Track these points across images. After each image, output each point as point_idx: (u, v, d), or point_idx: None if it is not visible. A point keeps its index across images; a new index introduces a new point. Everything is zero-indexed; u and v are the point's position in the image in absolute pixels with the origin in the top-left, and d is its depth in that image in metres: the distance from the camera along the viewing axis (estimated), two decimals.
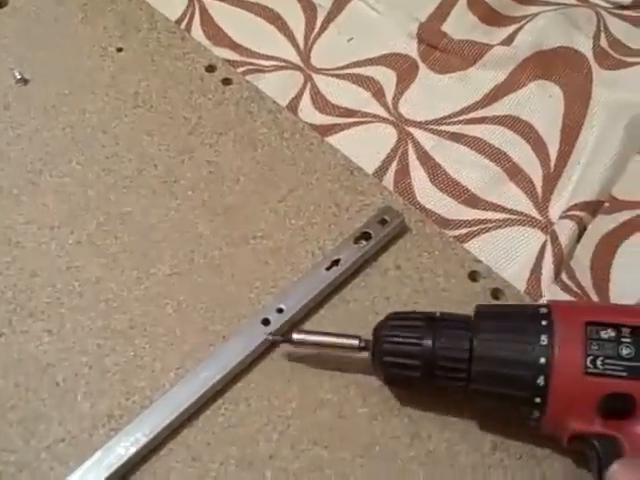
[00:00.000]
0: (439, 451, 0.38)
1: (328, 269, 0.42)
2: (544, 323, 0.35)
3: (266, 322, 0.41)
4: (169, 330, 0.41)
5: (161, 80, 0.51)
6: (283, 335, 0.40)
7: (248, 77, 0.52)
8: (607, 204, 0.46)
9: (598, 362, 0.34)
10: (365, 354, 0.39)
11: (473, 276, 0.43)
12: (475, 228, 0.46)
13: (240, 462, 0.38)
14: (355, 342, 0.38)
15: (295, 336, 0.39)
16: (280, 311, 0.41)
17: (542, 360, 0.34)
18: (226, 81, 0.51)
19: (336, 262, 0.43)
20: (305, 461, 0.38)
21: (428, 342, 0.36)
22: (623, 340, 0.34)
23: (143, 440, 0.37)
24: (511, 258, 0.45)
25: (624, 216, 0.46)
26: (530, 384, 0.34)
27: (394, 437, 0.39)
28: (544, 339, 0.34)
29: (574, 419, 0.34)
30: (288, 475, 0.37)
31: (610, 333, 0.34)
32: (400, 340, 0.37)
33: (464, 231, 0.46)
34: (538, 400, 0.35)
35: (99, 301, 0.42)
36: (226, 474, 0.37)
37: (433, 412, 0.39)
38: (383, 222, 0.44)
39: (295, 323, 0.41)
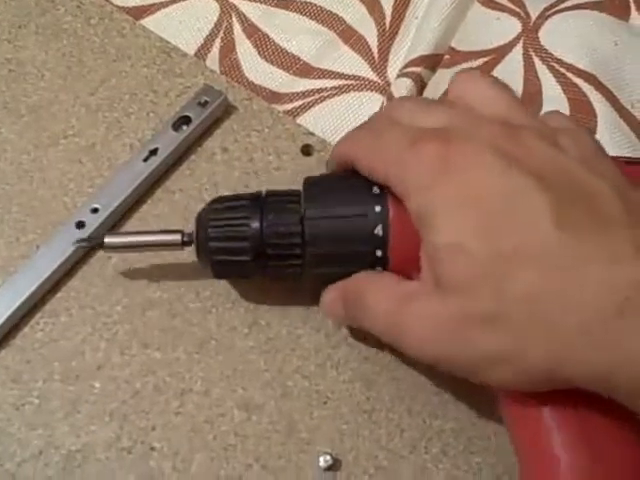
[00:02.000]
0: (280, 337, 0.36)
1: (145, 160, 0.39)
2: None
3: (80, 225, 0.37)
4: None
5: None
6: (93, 240, 0.35)
7: None
8: (447, 57, 0.43)
9: None
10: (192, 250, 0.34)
11: (306, 150, 0.40)
12: (309, 99, 0.42)
13: (65, 377, 0.35)
14: (177, 237, 0.34)
15: (107, 240, 0.34)
16: (95, 211, 0.37)
17: (378, 208, 0.31)
18: None
19: (154, 152, 0.39)
20: (136, 366, 0.35)
21: (256, 221, 0.33)
22: None
23: None
24: (348, 126, 0.41)
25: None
26: (369, 241, 0.31)
27: (231, 329, 0.36)
28: (376, 189, 0.32)
29: None
30: (119, 383, 0.35)
31: None
32: (225, 223, 0.33)
33: (298, 104, 0.42)
34: (379, 269, 0.32)
35: None
36: (50, 392, 0.34)
37: (271, 300, 0.37)
38: (204, 104, 0.40)
39: (114, 224, 0.38)
